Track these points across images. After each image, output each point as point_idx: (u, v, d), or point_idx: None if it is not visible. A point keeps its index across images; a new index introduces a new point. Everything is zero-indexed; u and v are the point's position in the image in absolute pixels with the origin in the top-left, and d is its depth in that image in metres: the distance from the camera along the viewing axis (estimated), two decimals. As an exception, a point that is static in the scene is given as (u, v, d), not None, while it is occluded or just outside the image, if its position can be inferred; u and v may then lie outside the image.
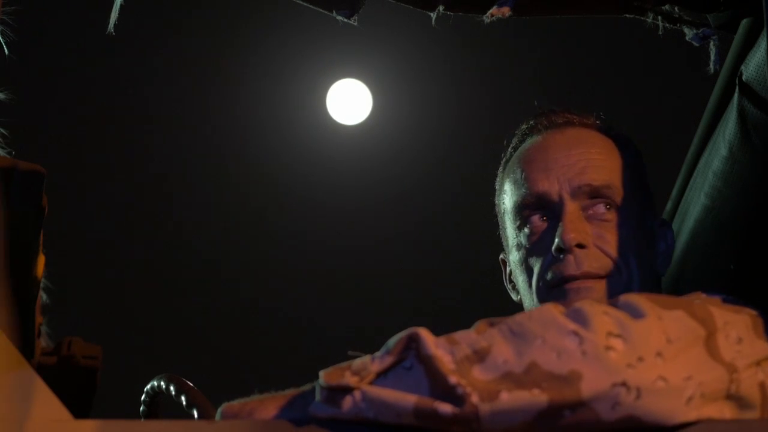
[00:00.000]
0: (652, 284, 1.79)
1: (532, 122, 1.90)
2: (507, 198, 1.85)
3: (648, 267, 1.80)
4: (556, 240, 1.74)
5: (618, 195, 1.79)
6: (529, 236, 1.80)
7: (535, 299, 1.78)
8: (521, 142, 1.90)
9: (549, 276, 1.75)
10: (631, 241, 1.77)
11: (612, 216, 1.77)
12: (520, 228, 1.82)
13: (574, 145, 1.83)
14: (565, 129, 1.86)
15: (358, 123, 5.67)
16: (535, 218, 1.80)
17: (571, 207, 1.76)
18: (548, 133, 1.86)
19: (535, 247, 1.79)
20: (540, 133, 1.87)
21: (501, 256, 1.93)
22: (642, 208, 1.83)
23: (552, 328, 1.31)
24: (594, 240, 1.75)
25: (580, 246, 1.74)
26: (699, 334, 1.39)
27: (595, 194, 1.78)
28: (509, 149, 1.92)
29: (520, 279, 1.82)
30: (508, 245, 1.87)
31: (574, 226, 1.74)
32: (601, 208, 1.77)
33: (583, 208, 1.77)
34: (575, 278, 1.73)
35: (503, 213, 1.88)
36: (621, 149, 1.86)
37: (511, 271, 1.88)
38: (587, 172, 1.79)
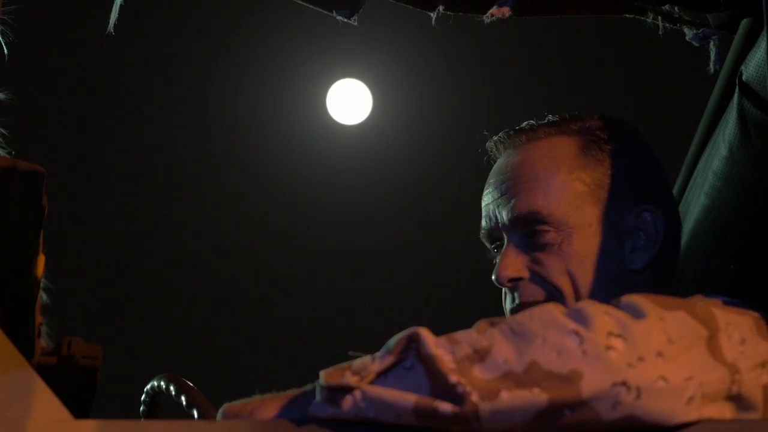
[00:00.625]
0: (620, 286, 1.73)
1: (491, 147, 1.91)
2: None
3: (612, 271, 1.76)
4: (495, 277, 1.78)
5: (557, 214, 1.76)
6: (493, 266, 1.83)
7: None
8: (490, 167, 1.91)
9: (505, 307, 1.80)
10: (581, 256, 1.75)
11: (554, 239, 1.76)
12: (491, 258, 1.86)
13: (509, 172, 1.81)
14: (509, 153, 1.85)
15: (358, 123, 5.68)
16: (493, 250, 1.85)
17: (511, 240, 1.79)
18: (498, 160, 1.87)
19: (494, 279, 1.83)
20: (494, 160, 1.89)
21: None
22: (603, 209, 1.79)
23: (552, 327, 1.31)
24: (532, 268, 1.76)
25: (516, 279, 1.76)
26: (701, 335, 1.38)
27: (528, 223, 1.77)
28: None
29: None
30: None
31: (507, 263, 1.76)
32: (540, 234, 1.76)
33: (524, 236, 1.78)
34: (516, 311, 1.74)
35: None
36: (584, 150, 1.81)
37: None
38: (518, 202, 1.78)
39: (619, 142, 1.83)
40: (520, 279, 1.76)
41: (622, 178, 1.81)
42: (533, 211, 1.77)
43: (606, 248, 1.77)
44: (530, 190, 1.79)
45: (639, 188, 1.82)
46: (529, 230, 1.77)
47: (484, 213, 1.84)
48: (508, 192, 1.80)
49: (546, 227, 1.76)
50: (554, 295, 1.74)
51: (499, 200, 1.80)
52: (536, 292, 1.75)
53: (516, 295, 1.76)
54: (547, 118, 1.87)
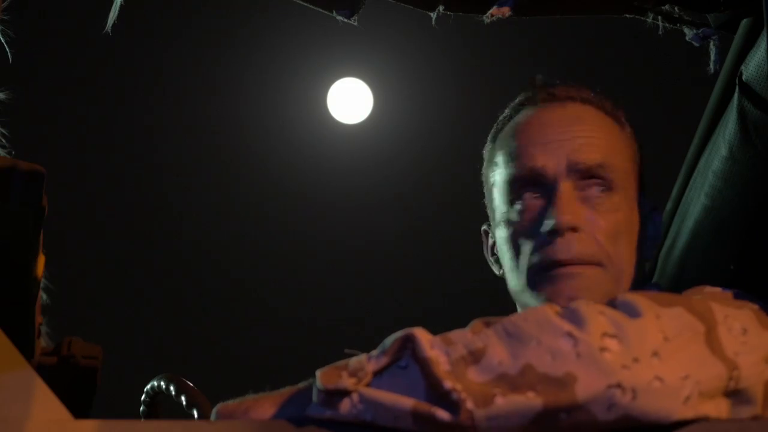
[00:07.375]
0: (639, 272, 1.74)
1: (529, 93, 1.83)
2: (498, 170, 1.77)
3: (638, 254, 1.74)
4: (550, 221, 1.66)
5: (613, 176, 1.72)
6: (519, 213, 1.72)
7: (524, 280, 1.71)
8: (516, 112, 1.82)
9: (538, 258, 1.68)
10: (623, 227, 1.71)
11: (606, 199, 1.70)
12: (511, 203, 1.74)
13: (573, 121, 1.75)
14: (565, 104, 1.78)
15: (359, 122, 5.68)
16: (528, 195, 1.72)
17: (565, 186, 1.69)
18: (547, 106, 1.79)
19: (525, 226, 1.71)
20: (538, 106, 1.80)
21: (483, 227, 1.85)
22: (636, 191, 1.77)
23: (547, 329, 1.29)
24: (586, 225, 1.68)
25: (574, 229, 1.67)
26: (698, 330, 1.37)
27: (590, 174, 1.70)
28: (502, 118, 1.85)
29: (506, 256, 1.74)
30: (495, 219, 1.79)
31: (569, 208, 1.67)
32: (595, 190, 1.70)
33: (578, 188, 1.70)
34: (566, 263, 1.66)
35: (492, 185, 1.80)
36: (618, 129, 1.79)
37: (494, 243, 1.80)
38: (584, 151, 1.71)
39: (634, 135, 1.83)
40: (576, 230, 1.67)
41: (640, 168, 1.81)
42: (603, 164, 1.71)
43: (638, 228, 1.75)
44: (600, 145, 1.73)
45: (644, 183, 1.82)
46: (586, 182, 1.70)
47: (528, 154, 1.72)
48: (577, 140, 1.72)
49: (610, 182, 1.71)
50: (607, 258, 1.68)
51: (564, 142, 1.72)
52: (591, 247, 1.67)
53: (569, 245, 1.66)
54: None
